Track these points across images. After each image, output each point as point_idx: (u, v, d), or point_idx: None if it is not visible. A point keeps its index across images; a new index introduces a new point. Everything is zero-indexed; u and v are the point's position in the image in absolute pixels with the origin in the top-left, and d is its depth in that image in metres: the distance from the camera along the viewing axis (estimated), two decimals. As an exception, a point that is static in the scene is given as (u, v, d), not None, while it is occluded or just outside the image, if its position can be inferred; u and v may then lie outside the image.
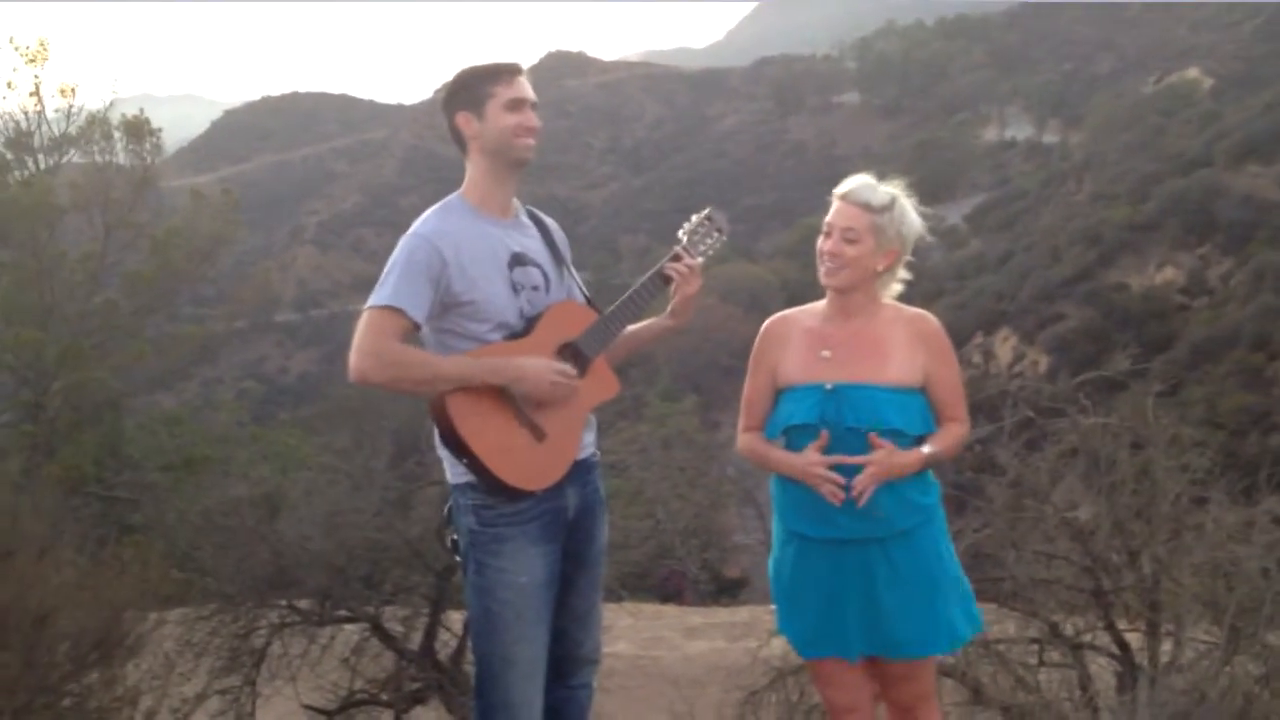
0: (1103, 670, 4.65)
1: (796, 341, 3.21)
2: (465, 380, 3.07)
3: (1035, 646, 4.71)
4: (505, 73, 3.22)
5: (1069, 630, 4.68)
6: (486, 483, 3.12)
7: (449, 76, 3.32)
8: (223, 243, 20.05)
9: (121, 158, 19.55)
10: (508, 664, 3.20)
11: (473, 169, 3.28)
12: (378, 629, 5.92)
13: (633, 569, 12.57)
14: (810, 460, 3.05)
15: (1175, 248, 51.62)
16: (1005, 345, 52.63)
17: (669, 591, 14.92)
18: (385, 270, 3.11)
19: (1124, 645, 4.47)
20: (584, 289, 3.47)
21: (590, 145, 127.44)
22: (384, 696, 5.94)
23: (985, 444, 5.19)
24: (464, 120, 3.21)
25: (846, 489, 3.02)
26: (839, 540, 3.11)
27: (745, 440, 3.28)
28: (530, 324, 3.22)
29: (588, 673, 3.52)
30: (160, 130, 19.85)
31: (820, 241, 3.16)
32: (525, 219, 3.39)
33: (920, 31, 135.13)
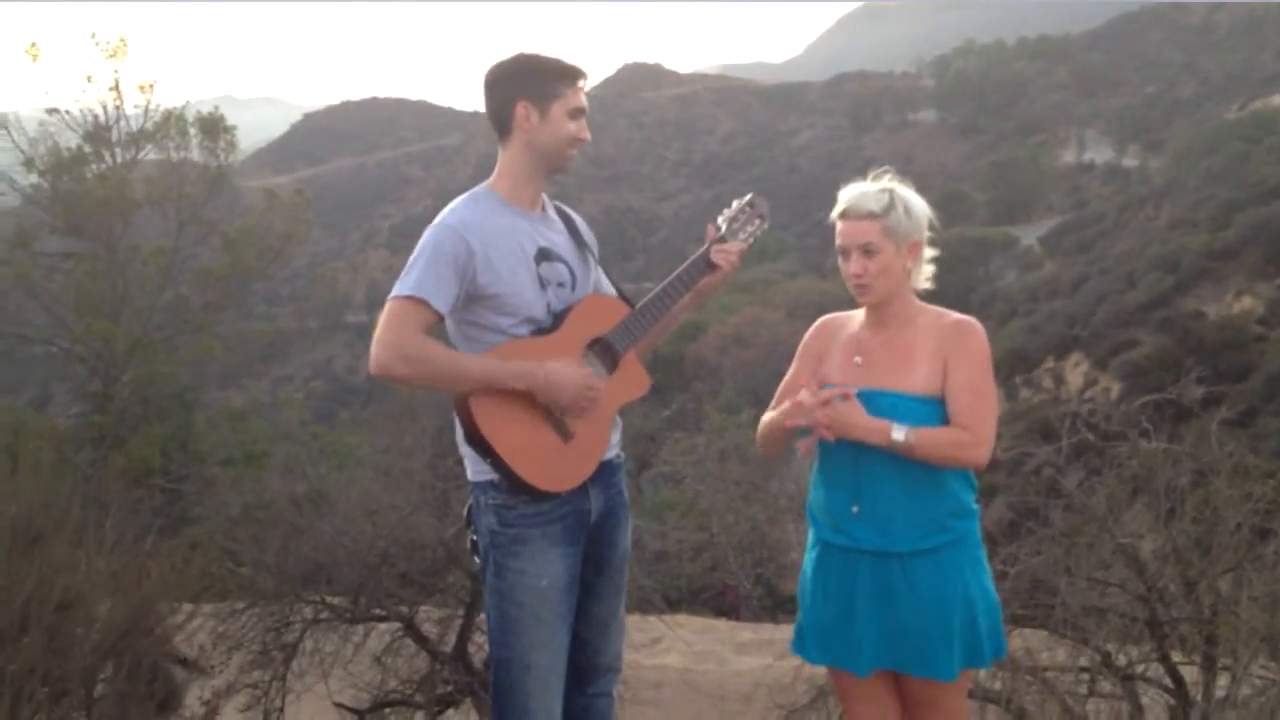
0: (1154, 703, 4.49)
1: (840, 345, 3.14)
2: (490, 382, 2.98)
3: (1085, 676, 4.55)
4: (575, 76, 3.14)
5: (1121, 661, 4.52)
6: (509, 482, 3.04)
7: (506, 58, 3.19)
8: (294, 241, 20.25)
9: (196, 154, 19.89)
10: (526, 669, 3.11)
11: (509, 159, 3.18)
12: (411, 629, 5.88)
13: (686, 581, 12.53)
14: (794, 401, 3.00)
15: (1254, 277, 50.59)
16: (1076, 370, 51.82)
17: (724, 606, 14.79)
18: (410, 260, 3.03)
19: (1178, 678, 4.31)
20: (615, 284, 3.40)
21: (664, 157, 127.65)
22: (416, 697, 5.88)
23: (1043, 466, 5.05)
24: (524, 110, 3.10)
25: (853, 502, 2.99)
26: (856, 550, 3.02)
27: (762, 420, 3.22)
28: (559, 318, 3.14)
29: (608, 681, 3.41)
30: (235, 128, 20.14)
31: (842, 266, 3.06)
32: (552, 214, 3.30)
33: (1000, 51, 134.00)
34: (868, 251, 3.00)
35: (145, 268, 19.42)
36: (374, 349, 2.94)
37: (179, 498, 16.78)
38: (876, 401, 2.96)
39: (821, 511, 3.13)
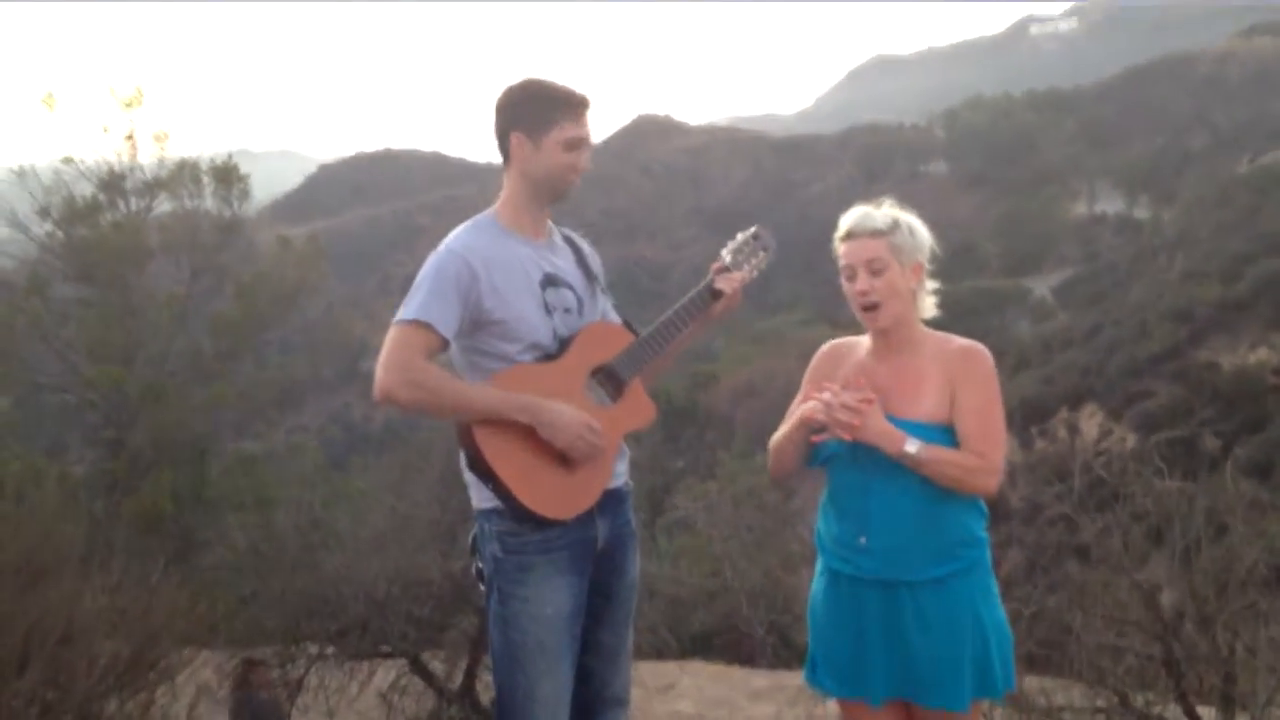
0: (1173, 745, 4.41)
1: (847, 372, 3.10)
2: (493, 414, 2.96)
3: (1102, 716, 4.48)
4: (574, 106, 3.12)
5: (1138, 702, 4.45)
6: (512, 510, 3.01)
7: (514, 82, 3.17)
8: (308, 289, 20.34)
9: (210, 203, 20.02)
10: (530, 699, 3.07)
11: (510, 188, 3.19)
12: (417, 666, 5.82)
13: (700, 627, 12.43)
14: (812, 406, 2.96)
15: (1268, 328, 50.48)
16: (1091, 421, 51.63)
17: (739, 654, 14.64)
18: (414, 284, 3.02)
19: (1196, 718, 4.24)
20: (621, 313, 3.38)
21: (675, 207, 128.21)
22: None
23: (1057, 517, 5.01)
24: (517, 141, 3.11)
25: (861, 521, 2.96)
26: (864, 580, 2.99)
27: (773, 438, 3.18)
28: (564, 345, 3.12)
29: (616, 714, 3.35)
30: (248, 175, 20.28)
31: (845, 286, 3.03)
32: (559, 240, 3.29)
33: (1009, 103, 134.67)
34: (874, 269, 2.97)
35: (159, 315, 19.49)
36: (378, 374, 2.92)
37: (190, 544, 16.73)
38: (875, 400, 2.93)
39: (830, 540, 3.09)
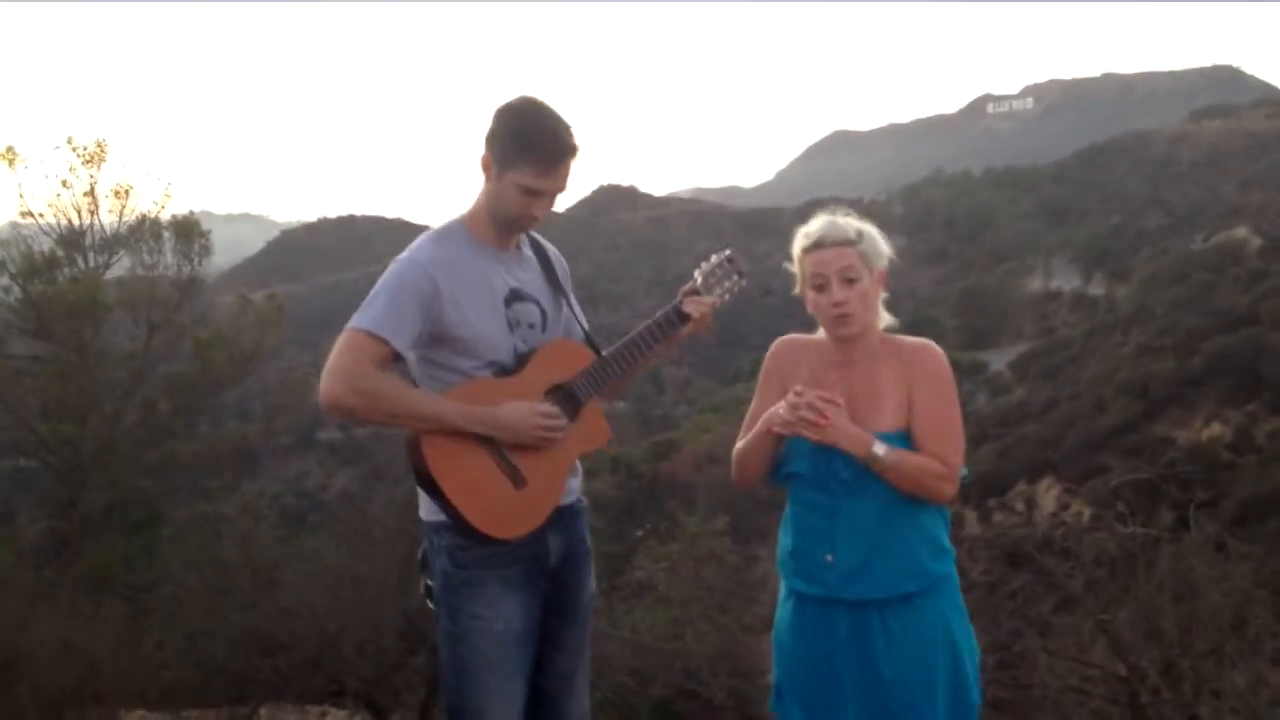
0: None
1: (803, 378, 3.02)
2: (441, 423, 2.88)
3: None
4: (546, 158, 2.96)
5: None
6: (458, 526, 2.93)
7: (524, 97, 3.02)
8: (267, 348, 20.20)
9: (170, 259, 19.91)
10: (480, 716, 2.99)
11: (480, 199, 3.10)
12: (371, 706, 5.68)
13: (660, 691, 12.22)
14: (775, 410, 2.89)
15: (1223, 403, 50.99)
16: (1049, 494, 51.81)
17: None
18: (373, 292, 2.94)
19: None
20: (583, 324, 3.33)
21: (638, 277, 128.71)
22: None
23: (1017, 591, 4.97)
24: (485, 161, 3.02)
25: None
26: (832, 600, 2.91)
27: (737, 448, 3.12)
28: (522, 361, 3.05)
29: None
30: (209, 231, 20.18)
31: (814, 297, 2.96)
32: (527, 250, 3.22)
33: (967, 180, 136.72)
34: (848, 279, 2.93)
35: (115, 372, 19.31)
36: (324, 380, 2.83)
37: (140, 607, 16.41)
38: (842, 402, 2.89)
39: (793, 560, 3.02)
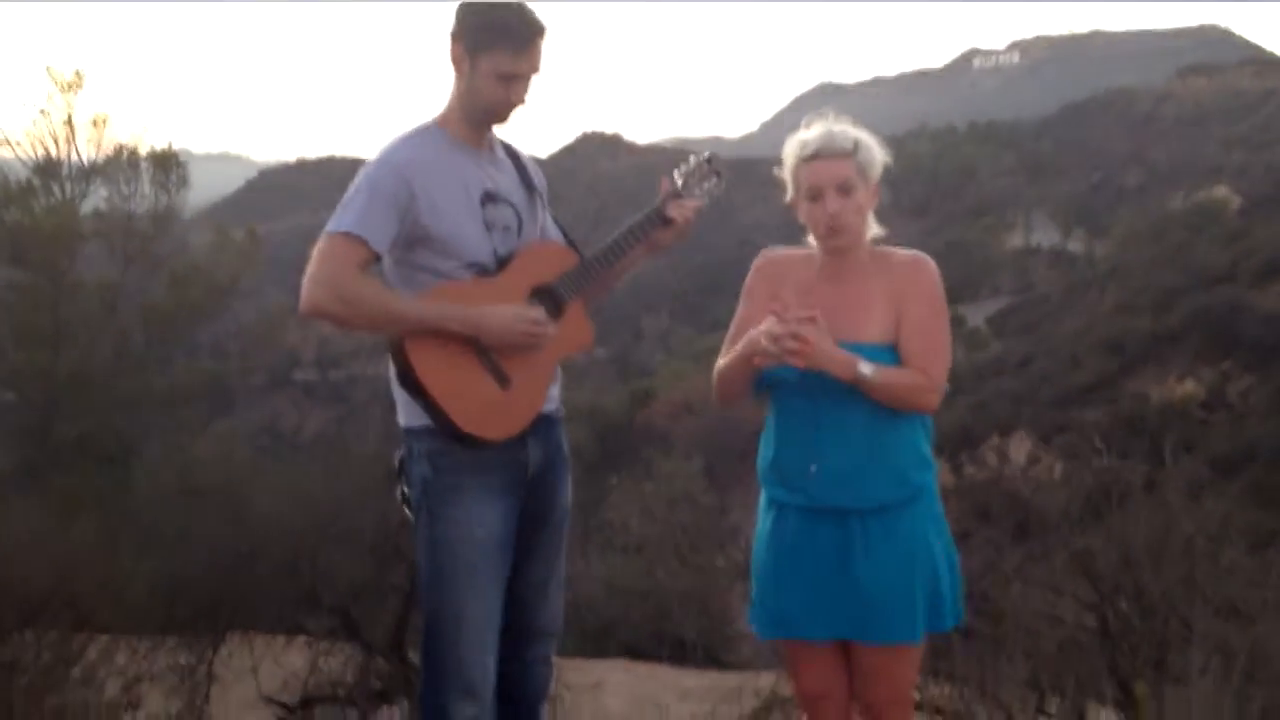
0: (1105, 721, 4.40)
1: (789, 292, 2.99)
2: (425, 324, 2.85)
3: (1035, 693, 4.46)
4: (517, 38, 2.91)
5: (1071, 684, 4.43)
6: (443, 428, 2.89)
7: None
8: (243, 280, 20.07)
9: (147, 189, 19.70)
10: (459, 621, 2.97)
11: (453, 98, 3.03)
12: (345, 618, 5.68)
13: (632, 630, 12.32)
14: (762, 328, 2.82)
15: (1197, 361, 51.35)
16: (1021, 448, 52.15)
17: (672, 656, 14.49)
18: (348, 195, 2.88)
19: (1128, 691, 4.22)
20: (564, 230, 3.29)
21: (618, 225, 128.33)
22: (345, 693, 5.64)
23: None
24: (456, 53, 2.95)
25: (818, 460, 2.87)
26: (813, 509, 2.89)
27: (715, 368, 3.09)
28: (503, 263, 3.01)
29: (545, 644, 3.26)
30: (187, 163, 19.98)
31: (808, 209, 2.91)
32: (501, 154, 3.16)
33: (951, 135, 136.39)
34: (844, 190, 2.87)
35: (89, 303, 19.14)
36: (305, 286, 2.79)
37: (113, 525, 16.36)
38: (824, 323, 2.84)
39: (775, 470, 2.99)
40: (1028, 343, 64.93)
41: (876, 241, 3.01)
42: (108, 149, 19.79)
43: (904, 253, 2.99)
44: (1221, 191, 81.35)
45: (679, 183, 3.26)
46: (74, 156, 19.93)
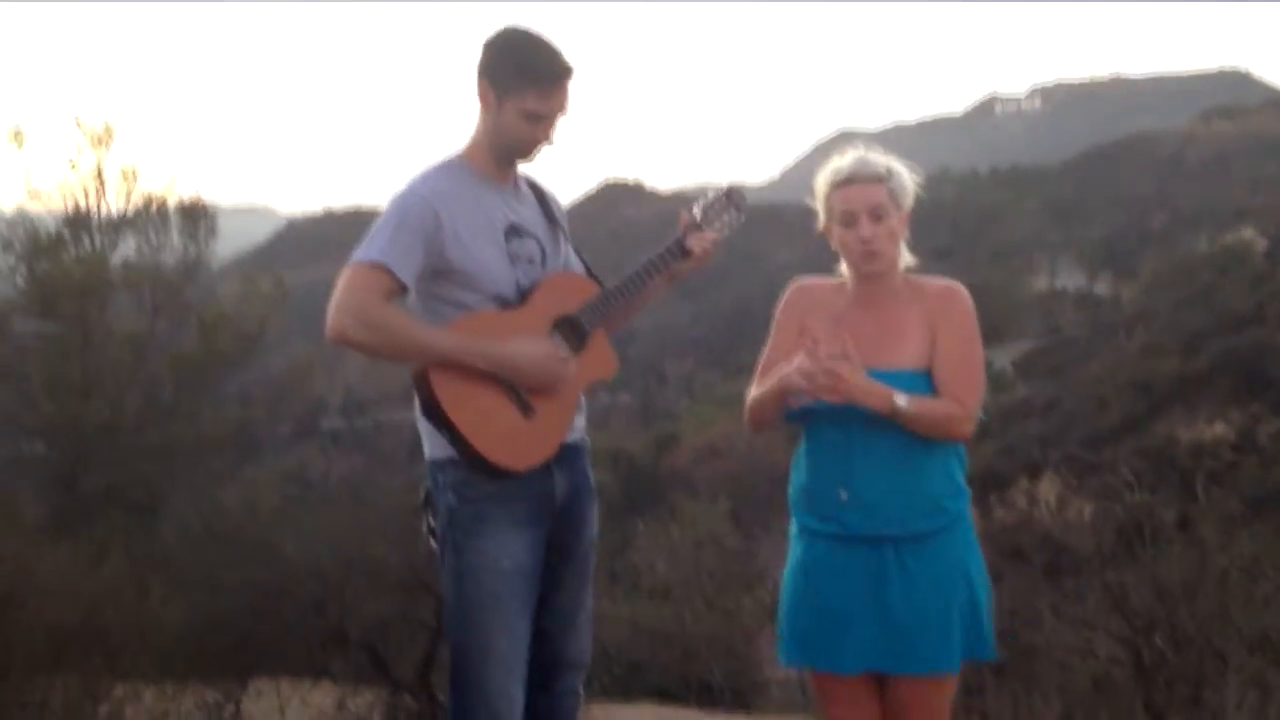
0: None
1: (821, 321, 3.00)
2: (450, 358, 2.86)
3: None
4: (546, 80, 2.96)
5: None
6: (468, 458, 2.90)
7: (512, 26, 3.01)
8: (270, 328, 20.17)
9: (175, 239, 19.89)
10: (486, 654, 2.94)
11: (478, 132, 3.08)
12: (373, 655, 5.67)
13: (659, 673, 12.22)
14: (794, 365, 2.82)
15: (1226, 403, 50.94)
16: (1050, 490, 51.71)
17: (699, 699, 14.37)
18: (376, 226, 2.91)
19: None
20: (585, 262, 3.31)
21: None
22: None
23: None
24: (483, 90, 3.00)
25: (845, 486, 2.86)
26: (846, 537, 2.88)
27: (748, 397, 3.09)
28: (526, 295, 3.03)
29: (573, 678, 3.24)
30: (215, 213, 20.19)
31: (840, 234, 2.93)
32: (525, 188, 3.19)
33: (973, 179, 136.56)
34: (877, 215, 2.90)
35: (118, 352, 19.28)
36: (331, 314, 2.80)
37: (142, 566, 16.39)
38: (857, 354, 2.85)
39: (806, 497, 2.98)
40: (1055, 385, 64.58)
41: (909, 270, 3.03)
42: (137, 200, 20.01)
43: (937, 281, 3.01)
44: (1247, 234, 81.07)
45: (698, 215, 3.28)
46: (103, 208, 20.15)
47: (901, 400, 2.78)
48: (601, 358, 3.17)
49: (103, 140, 19.97)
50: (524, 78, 2.96)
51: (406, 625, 5.89)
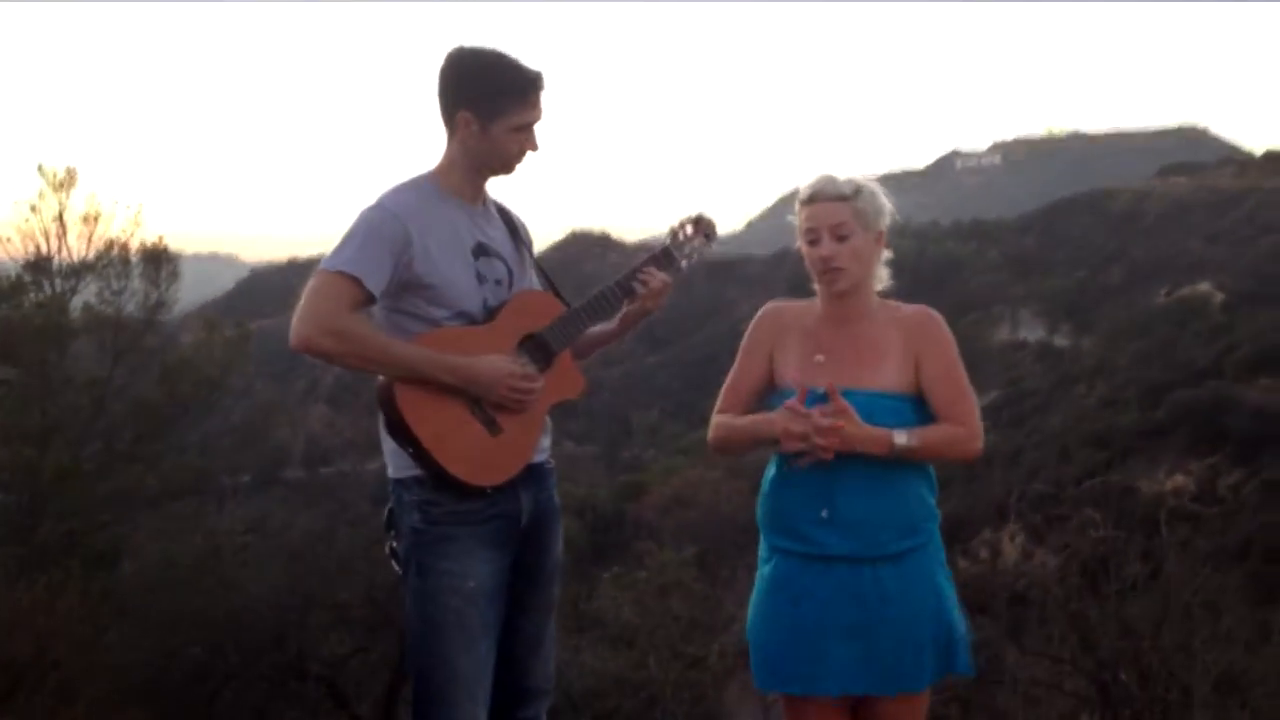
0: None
1: (793, 340, 3.03)
2: (417, 371, 2.84)
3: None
4: (528, 93, 3.00)
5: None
6: (433, 476, 2.88)
7: (465, 47, 3.02)
8: (232, 374, 20.01)
9: (138, 284, 19.75)
10: (450, 677, 2.89)
11: (450, 155, 3.09)
12: (333, 689, 5.59)
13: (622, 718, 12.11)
14: (782, 413, 2.82)
15: (1185, 455, 51.33)
16: (1013, 543, 51.86)
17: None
18: (344, 237, 2.91)
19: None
20: (553, 284, 3.33)
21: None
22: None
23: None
24: (464, 121, 3.01)
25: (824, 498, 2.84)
26: (821, 557, 2.87)
27: (717, 422, 3.08)
28: (493, 312, 3.03)
29: (538, 705, 3.20)
30: (178, 258, 20.07)
31: (807, 251, 2.98)
32: (493, 210, 3.21)
33: (935, 231, 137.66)
34: (840, 235, 2.93)
35: (78, 398, 19.06)
36: (296, 323, 2.78)
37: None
38: (847, 401, 2.85)
39: (781, 519, 2.97)
40: (1017, 436, 64.90)
41: (885, 295, 3.06)
42: (99, 244, 19.90)
43: (912, 307, 3.05)
44: (1204, 287, 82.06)
45: (667, 241, 3.32)
46: (64, 253, 20.01)
47: (901, 439, 2.80)
48: (568, 377, 3.17)
49: (64, 185, 19.86)
50: (508, 97, 2.99)
51: (368, 663, 5.83)
